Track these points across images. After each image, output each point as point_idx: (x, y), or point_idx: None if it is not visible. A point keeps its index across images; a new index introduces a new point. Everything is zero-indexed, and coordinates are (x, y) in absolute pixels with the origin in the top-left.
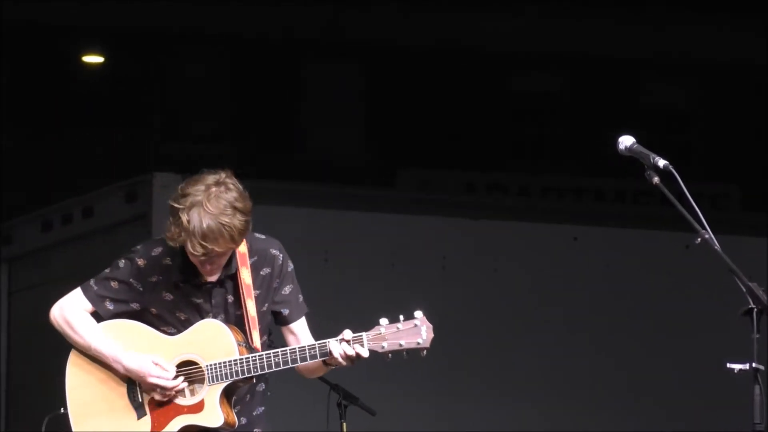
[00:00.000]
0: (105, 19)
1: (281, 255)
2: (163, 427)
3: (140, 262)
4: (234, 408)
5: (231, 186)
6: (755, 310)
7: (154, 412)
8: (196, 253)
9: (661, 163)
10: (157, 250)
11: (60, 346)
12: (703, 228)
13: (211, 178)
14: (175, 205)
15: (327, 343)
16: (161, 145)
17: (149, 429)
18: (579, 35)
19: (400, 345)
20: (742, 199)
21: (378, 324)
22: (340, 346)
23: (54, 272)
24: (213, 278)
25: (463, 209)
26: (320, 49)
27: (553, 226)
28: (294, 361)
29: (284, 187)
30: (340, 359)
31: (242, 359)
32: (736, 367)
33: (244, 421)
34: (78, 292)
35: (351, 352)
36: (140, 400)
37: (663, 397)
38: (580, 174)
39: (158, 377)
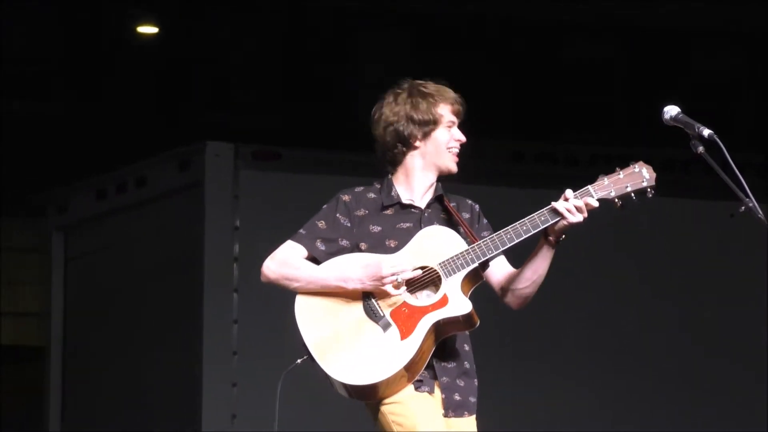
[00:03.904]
0: None
1: (477, 205)
2: (412, 332)
3: (345, 198)
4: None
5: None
6: None
7: (398, 321)
8: (456, 102)
9: (706, 132)
10: (360, 188)
11: (114, 311)
12: (747, 197)
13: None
14: (414, 93)
15: (551, 205)
16: (211, 115)
17: (399, 338)
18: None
19: (627, 188)
20: None
21: (599, 177)
22: (565, 203)
23: (108, 240)
24: (424, 200)
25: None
26: (372, 19)
27: None
28: (526, 231)
29: (337, 156)
30: (569, 215)
31: (473, 247)
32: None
33: (458, 398)
34: (287, 242)
35: (579, 203)
36: (381, 313)
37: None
38: (627, 143)
39: (393, 266)
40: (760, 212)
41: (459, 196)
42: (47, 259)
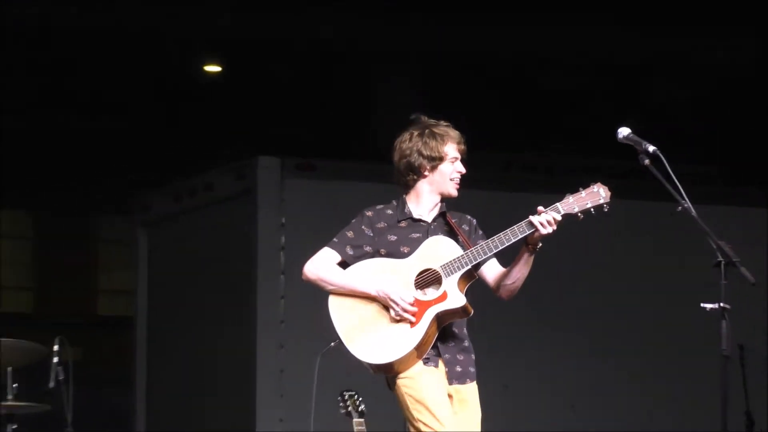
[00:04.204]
0: (223, 32)
1: (474, 220)
2: (419, 320)
3: (369, 213)
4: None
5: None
6: (723, 262)
7: (410, 314)
8: (461, 142)
9: (651, 148)
10: (380, 206)
11: (186, 289)
12: (683, 199)
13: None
14: (424, 134)
15: (529, 218)
16: (264, 134)
17: (409, 326)
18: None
19: (587, 204)
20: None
21: (565, 196)
22: (538, 217)
23: (182, 233)
24: (431, 216)
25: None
26: (389, 58)
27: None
28: (508, 239)
29: (363, 166)
30: (541, 228)
31: (467, 252)
32: (708, 306)
33: (459, 369)
34: (324, 248)
35: (549, 217)
36: (399, 311)
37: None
38: (593, 156)
39: (395, 300)
40: (694, 212)
41: (460, 213)
42: (134, 248)
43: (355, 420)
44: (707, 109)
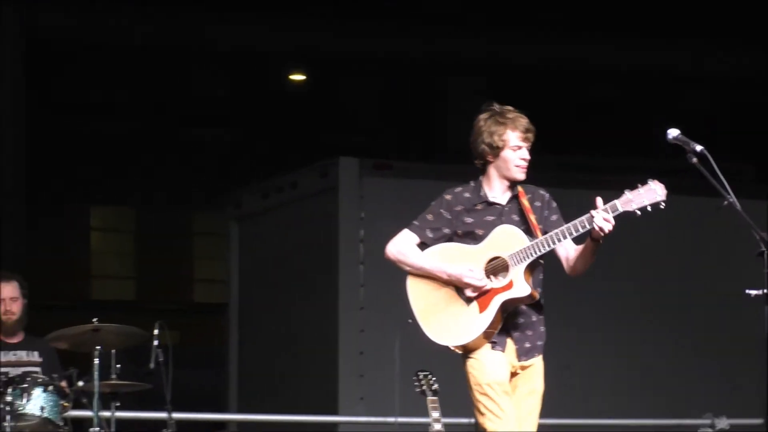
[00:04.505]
0: (306, 46)
1: (547, 194)
2: (487, 307)
3: (448, 197)
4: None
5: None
6: (766, 252)
7: (478, 299)
8: (526, 130)
9: (698, 148)
10: (459, 188)
11: (273, 278)
12: (728, 194)
13: (489, 111)
14: (490, 120)
15: (590, 213)
16: (344, 137)
17: (478, 311)
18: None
19: (644, 202)
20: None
21: (623, 192)
22: (597, 218)
23: (269, 228)
24: (505, 197)
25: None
26: (459, 66)
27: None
28: (570, 233)
29: (435, 166)
30: (602, 222)
31: (534, 243)
32: (753, 292)
33: (528, 345)
34: (405, 230)
35: (608, 215)
36: (466, 294)
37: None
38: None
39: (471, 278)
40: (739, 206)
41: (534, 187)
42: (226, 241)
43: (429, 398)
44: (741, 115)
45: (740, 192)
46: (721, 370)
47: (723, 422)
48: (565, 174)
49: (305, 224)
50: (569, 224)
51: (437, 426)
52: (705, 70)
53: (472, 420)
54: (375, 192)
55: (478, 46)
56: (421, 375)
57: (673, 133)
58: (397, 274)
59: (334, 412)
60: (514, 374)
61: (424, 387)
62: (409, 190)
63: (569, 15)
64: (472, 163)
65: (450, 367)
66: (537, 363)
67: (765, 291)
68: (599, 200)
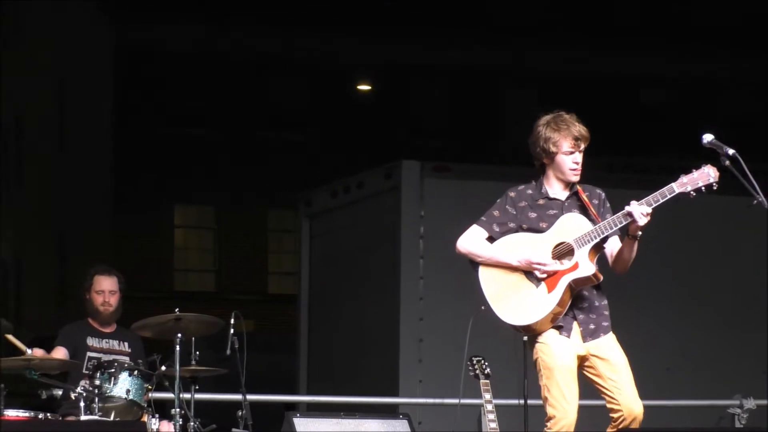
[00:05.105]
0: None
1: (603, 193)
2: (555, 287)
3: (512, 194)
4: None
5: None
6: None
7: (546, 281)
8: (577, 137)
9: (730, 151)
10: (522, 186)
11: (341, 271)
12: (758, 193)
13: (547, 117)
14: (546, 126)
15: (626, 209)
16: (405, 142)
17: (546, 292)
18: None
19: (698, 183)
20: None
21: (679, 176)
22: (637, 208)
23: (337, 224)
24: (564, 195)
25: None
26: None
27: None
28: (620, 222)
29: (489, 168)
30: (639, 219)
31: (596, 227)
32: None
33: (592, 326)
34: (473, 226)
35: (645, 209)
36: (537, 278)
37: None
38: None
39: (537, 263)
40: (767, 204)
41: (591, 186)
42: (298, 236)
43: (482, 381)
44: None
45: None
46: (751, 351)
47: (750, 402)
48: (615, 175)
49: (370, 221)
50: (613, 216)
51: (489, 407)
52: (742, 78)
53: (521, 402)
54: (434, 192)
55: (536, 57)
56: (475, 360)
57: (707, 137)
58: (454, 267)
59: (395, 395)
60: (584, 359)
61: (477, 371)
62: (466, 190)
63: (626, 30)
64: (522, 165)
65: (502, 354)
66: (607, 340)
67: None
68: (633, 203)
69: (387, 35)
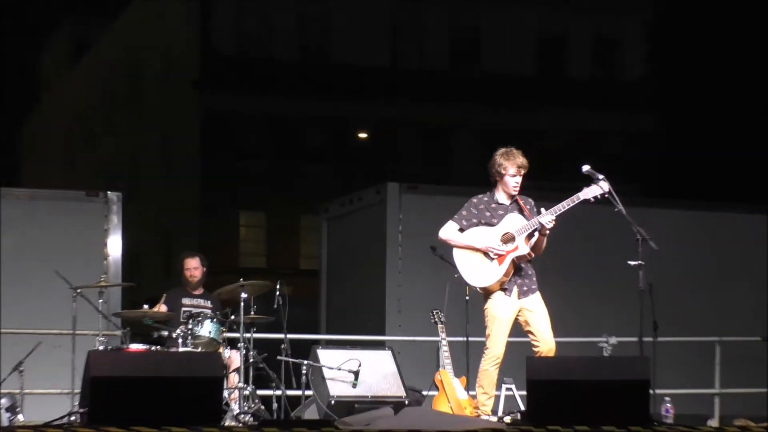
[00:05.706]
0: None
1: (531, 200)
2: (503, 262)
3: (474, 200)
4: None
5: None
6: (640, 239)
7: (498, 258)
8: (519, 166)
9: (601, 176)
10: (480, 195)
11: (350, 265)
12: (618, 204)
13: (502, 150)
14: (501, 156)
15: (537, 218)
16: (391, 170)
17: (497, 264)
18: None
19: (596, 192)
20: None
21: (582, 188)
22: (546, 216)
23: (345, 225)
24: (508, 201)
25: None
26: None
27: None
28: (555, 212)
29: (446, 188)
30: (549, 219)
31: (528, 223)
32: (632, 263)
33: (525, 288)
34: (449, 222)
35: (552, 217)
36: (491, 257)
37: None
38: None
39: (492, 247)
40: (625, 211)
41: (525, 196)
42: (319, 233)
43: (439, 326)
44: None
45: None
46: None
47: (613, 339)
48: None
49: (366, 225)
50: (538, 216)
51: (444, 343)
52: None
53: (474, 338)
54: (409, 205)
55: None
56: (434, 311)
57: (585, 167)
58: (424, 255)
59: (383, 334)
60: (519, 311)
61: (436, 319)
62: (429, 203)
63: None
64: (466, 186)
65: (453, 309)
66: (536, 297)
67: (640, 262)
68: (543, 210)
69: (378, 101)
